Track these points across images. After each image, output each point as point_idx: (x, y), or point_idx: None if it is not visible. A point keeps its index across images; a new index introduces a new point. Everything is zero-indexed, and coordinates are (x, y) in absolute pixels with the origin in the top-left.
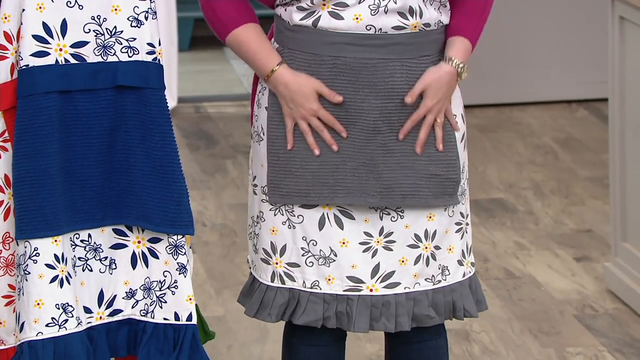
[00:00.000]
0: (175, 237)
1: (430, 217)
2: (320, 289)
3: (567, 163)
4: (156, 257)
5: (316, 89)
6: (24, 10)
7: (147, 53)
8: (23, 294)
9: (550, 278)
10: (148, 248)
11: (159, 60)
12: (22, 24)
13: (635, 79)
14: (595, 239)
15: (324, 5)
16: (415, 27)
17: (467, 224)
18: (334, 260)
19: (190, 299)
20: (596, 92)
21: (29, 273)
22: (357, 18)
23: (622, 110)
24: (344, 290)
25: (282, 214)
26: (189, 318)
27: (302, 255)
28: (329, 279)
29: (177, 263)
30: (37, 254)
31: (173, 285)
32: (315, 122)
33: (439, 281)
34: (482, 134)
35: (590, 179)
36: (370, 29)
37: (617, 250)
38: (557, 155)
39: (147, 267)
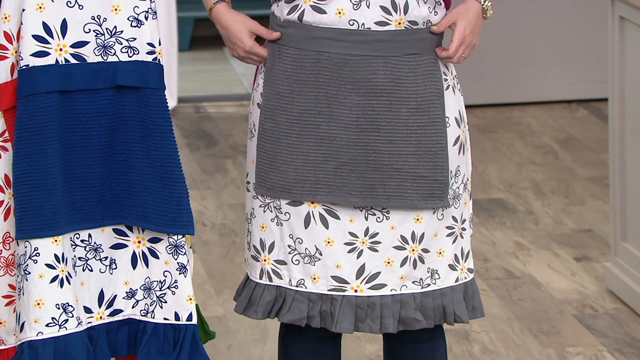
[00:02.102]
0: (175, 237)
1: (417, 220)
2: (306, 287)
3: (567, 163)
4: (156, 257)
5: (251, 29)
6: (24, 10)
7: (147, 53)
8: (23, 293)
9: (550, 278)
10: (148, 248)
11: (159, 60)
12: (22, 24)
13: (635, 79)
14: (595, 238)
15: None
16: (399, 23)
17: (462, 229)
18: (319, 259)
19: (190, 299)
20: (596, 92)
21: (29, 273)
22: (339, 12)
23: (622, 110)
24: (329, 290)
25: (271, 211)
26: (189, 318)
27: (289, 253)
28: (314, 278)
29: (177, 263)
30: (38, 254)
31: (173, 285)
32: (251, 62)
33: (428, 284)
34: (482, 134)
35: (590, 179)
36: (353, 24)
37: (617, 250)
38: (557, 155)
39: (147, 267)
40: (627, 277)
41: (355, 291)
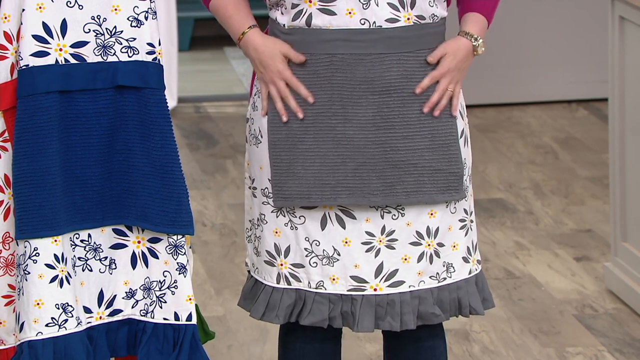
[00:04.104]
0: (175, 237)
1: (431, 214)
2: (325, 289)
3: (567, 163)
4: (156, 257)
5: (282, 51)
6: (24, 10)
7: (147, 53)
8: (23, 293)
9: (550, 278)
10: (148, 248)
11: (158, 60)
12: (22, 24)
13: (635, 79)
14: (595, 238)
15: (310, 2)
16: (408, 19)
17: (471, 221)
18: (338, 260)
19: (190, 299)
20: (596, 92)
21: (29, 273)
22: (349, 12)
23: (622, 110)
24: (348, 290)
25: (284, 216)
26: (189, 318)
27: (306, 255)
28: (334, 279)
29: (177, 263)
30: (37, 254)
31: (173, 285)
32: (282, 86)
33: (444, 278)
34: (482, 134)
35: (590, 179)
36: (364, 23)
37: (617, 250)
38: (557, 155)
39: (147, 267)
40: (627, 277)
41: (375, 290)
